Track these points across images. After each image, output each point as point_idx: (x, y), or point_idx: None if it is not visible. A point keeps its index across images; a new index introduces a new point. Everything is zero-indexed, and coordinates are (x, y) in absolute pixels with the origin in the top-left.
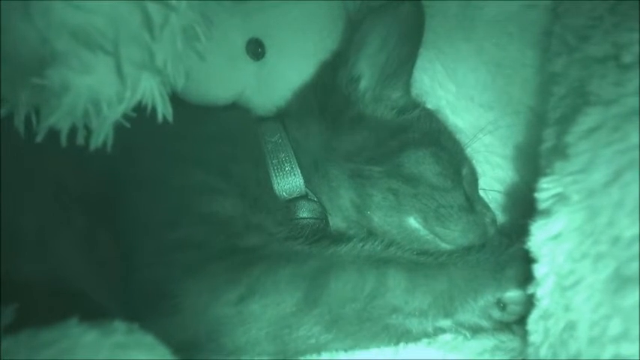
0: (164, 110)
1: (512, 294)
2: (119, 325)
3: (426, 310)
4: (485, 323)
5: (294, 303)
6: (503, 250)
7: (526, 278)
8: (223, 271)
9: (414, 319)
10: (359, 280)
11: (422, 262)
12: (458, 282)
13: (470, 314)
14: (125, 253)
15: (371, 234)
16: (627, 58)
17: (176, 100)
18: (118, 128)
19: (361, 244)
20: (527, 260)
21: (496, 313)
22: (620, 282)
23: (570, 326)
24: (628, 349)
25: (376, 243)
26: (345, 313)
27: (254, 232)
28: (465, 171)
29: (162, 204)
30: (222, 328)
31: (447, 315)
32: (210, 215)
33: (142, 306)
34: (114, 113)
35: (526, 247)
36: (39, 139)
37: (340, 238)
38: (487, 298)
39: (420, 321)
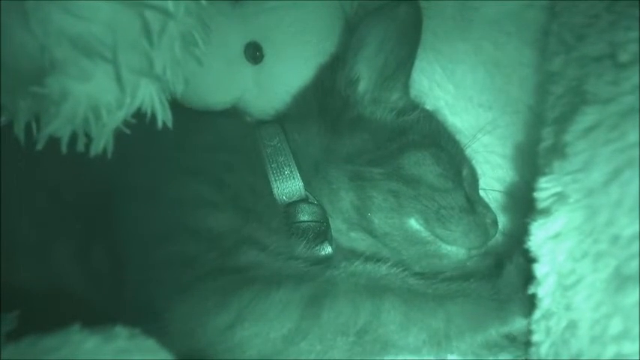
0: (164, 116)
1: (520, 324)
2: (121, 331)
3: (419, 347)
4: (487, 354)
5: (285, 333)
6: (503, 280)
7: (531, 306)
8: (213, 294)
9: (407, 352)
10: (353, 312)
11: (420, 293)
12: (456, 319)
13: (468, 348)
14: (119, 264)
15: (370, 257)
16: (623, 56)
17: (175, 106)
18: (116, 136)
19: (361, 267)
20: (528, 286)
21: (504, 343)
22: (621, 281)
23: (572, 325)
24: (629, 347)
25: (376, 266)
26: (336, 344)
27: (247, 248)
28: (465, 172)
29: (155, 216)
30: (211, 352)
31: (441, 351)
32: (203, 231)
33: (133, 322)
34: (113, 120)
35: (526, 246)
36: (39, 147)
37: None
38: (489, 334)
39: (412, 355)
